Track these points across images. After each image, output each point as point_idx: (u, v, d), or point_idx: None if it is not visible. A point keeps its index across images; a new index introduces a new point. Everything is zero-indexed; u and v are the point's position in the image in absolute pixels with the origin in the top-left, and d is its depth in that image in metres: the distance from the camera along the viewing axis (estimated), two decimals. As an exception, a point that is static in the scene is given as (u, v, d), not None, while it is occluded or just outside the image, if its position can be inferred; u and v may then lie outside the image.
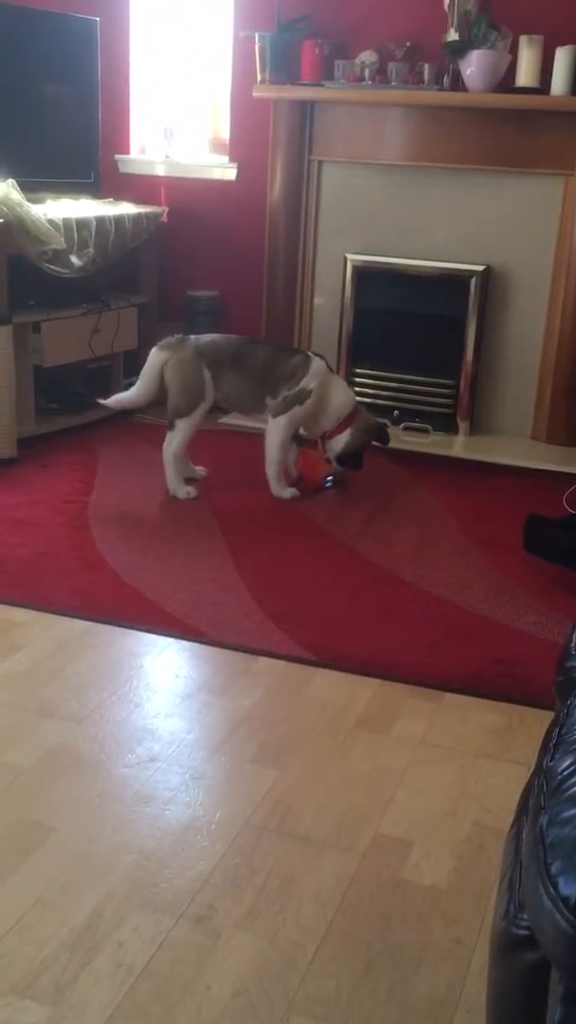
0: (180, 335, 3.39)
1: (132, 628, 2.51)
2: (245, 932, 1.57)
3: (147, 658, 2.39)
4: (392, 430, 4.01)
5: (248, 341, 3.47)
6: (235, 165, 4.39)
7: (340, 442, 3.46)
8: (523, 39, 3.73)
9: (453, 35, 3.77)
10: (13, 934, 1.54)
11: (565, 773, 1.11)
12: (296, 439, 3.52)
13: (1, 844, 1.73)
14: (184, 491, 3.38)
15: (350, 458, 3.49)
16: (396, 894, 1.67)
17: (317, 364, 3.38)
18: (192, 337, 3.39)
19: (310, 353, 3.45)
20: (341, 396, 3.44)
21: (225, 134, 4.46)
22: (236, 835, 1.79)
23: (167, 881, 1.67)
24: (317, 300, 4.34)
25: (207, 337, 3.42)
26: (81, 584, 2.70)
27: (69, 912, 1.59)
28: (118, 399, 3.47)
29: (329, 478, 3.57)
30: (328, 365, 3.45)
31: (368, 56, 3.98)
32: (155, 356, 3.35)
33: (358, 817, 1.86)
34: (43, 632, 2.47)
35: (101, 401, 3.52)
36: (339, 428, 3.44)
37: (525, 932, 1.06)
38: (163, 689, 2.26)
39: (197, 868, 1.70)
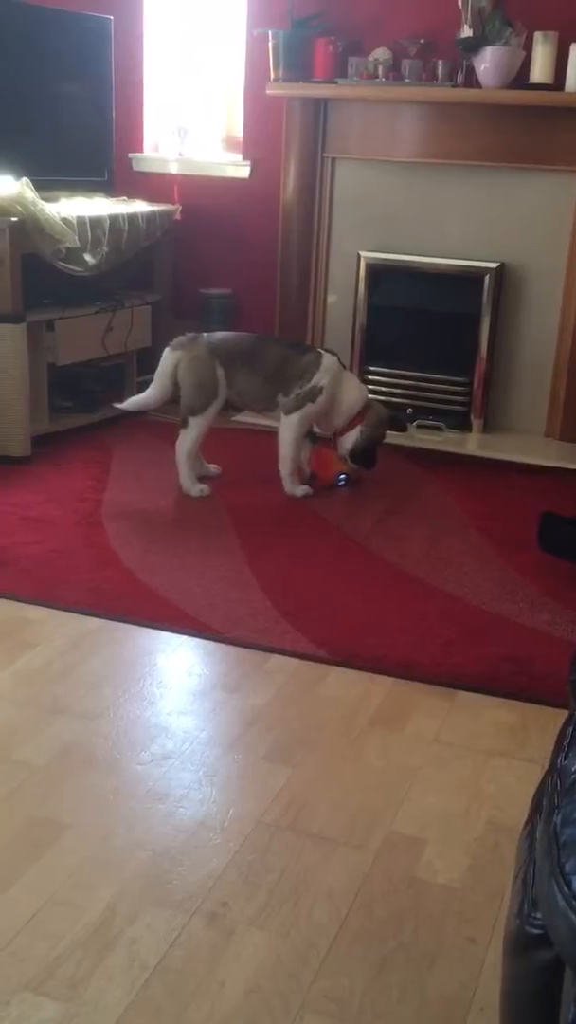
0: (192, 334, 3.39)
1: (145, 626, 2.51)
2: (258, 929, 1.57)
3: (160, 656, 2.39)
4: (403, 433, 4.00)
5: (260, 339, 3.47)
6: (248, 163, 4.40)
7: (350, 439, 3.45)
8: (537, 35, 3.71)
9: (467, 32, 3.77)
10: (27, 931, 1.55)
11: (579, 772, 1.10)
12: (310, 437, 3.52)
13: (15, 841, 1.74)
14: (197, 489, 3.38)
15: (362, 455, 3.48)
16: (409, 892, 1.67)
17: (329, 361, 3.38)
18: (204, 335, 3.39)
19: (322, 350, 3.44)
20: (353, 393, 3.44)
21: (238, 132, 4.46)
22: (249, 833, 1.79)
23: (180, 878, 1.67)
24: (330, 298, 4.34)
25: (219, 335, 3.42)
26: (95, 582, 2.71)
27: (83, 909, 1.60)
28: (133, 401, 3.46)
29: (342, 476, 3.56)
30: (340, 361, 3.45)
31: (382, 53, 3.98)
32: (168, 356, 3.35)
33: (371, 815, 1.85)
34: (57, 629, 2.47)
35: (117, 405, 3.52)
36: (350, 425, 3.44)
37: (539, 931, 1.06)
38: (176, 687, 2.26)
39: (210, 865, 1.70)
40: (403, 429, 3.59)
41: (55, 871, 1.67)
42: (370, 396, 3.54)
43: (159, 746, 2.03)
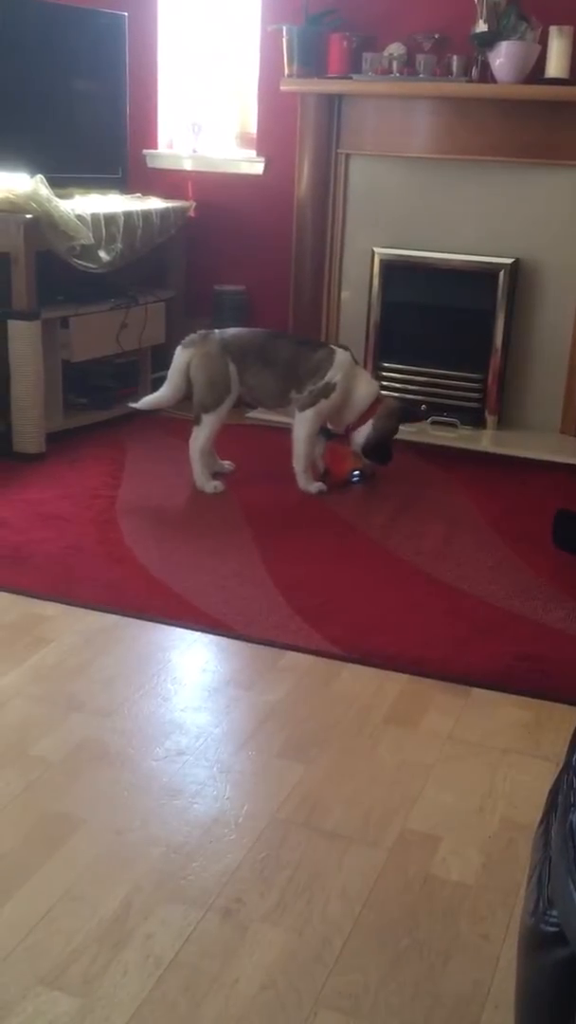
0: (204, 331, 3.40)
1: (159, 622, 2.52)
2: (272, 926, 1.58)
3: (175, 652, 2.40)
4: (420, 425, 4.00)
5: (273, 335, 3.47)
6: (262, 159, 4.39)
7: (362, 434, 3.45)
8: (553, 30, 3.69)
9: (482, 26, 3.75)
10: (42, 926, 1.55)
11: (595, 770, 1.10)
12: (325, 433, 3.52)
13: (30, 836, 1.74)
14: (211, 486, 3.38)
15: (375, 450, 3.47)
16: (423, 890, 1.67)
17: (341, 357, 3.37)
18: (216, 332, 3.39)
19: (334, 346, 3.44)
20: (364, 389, 3.43)
21: (252, 128, 4.46)
22: (263, 829, 1.79)
23: (195, 874, 1.68)
24: (344, 294, 4.33)
25: (231, 331, 3.42)
26: (109, 578, 2.72)
27: (98, 904, 1.60)
28: (147, 401, 3.46)
29: (356, 473, 3.56)
30: (353, 357, 3.44)
31: (396, 48, 3.97)
32: (180, 354, 3.35)
33: (385, 812, 1.85)
34: (72, 626, 2.48)
35: (132, 405, 3.53)
36: (362, 420, 3.44)
37: (554, 929, 1.05)
38: (191, 683, 2.27)
39: (225, 861, 1.71)
40: (418, 419, 3.57)
41: (70, 866, 1.68)
42: (383, 392, 3.54)
43: (173, 742, 2.03)
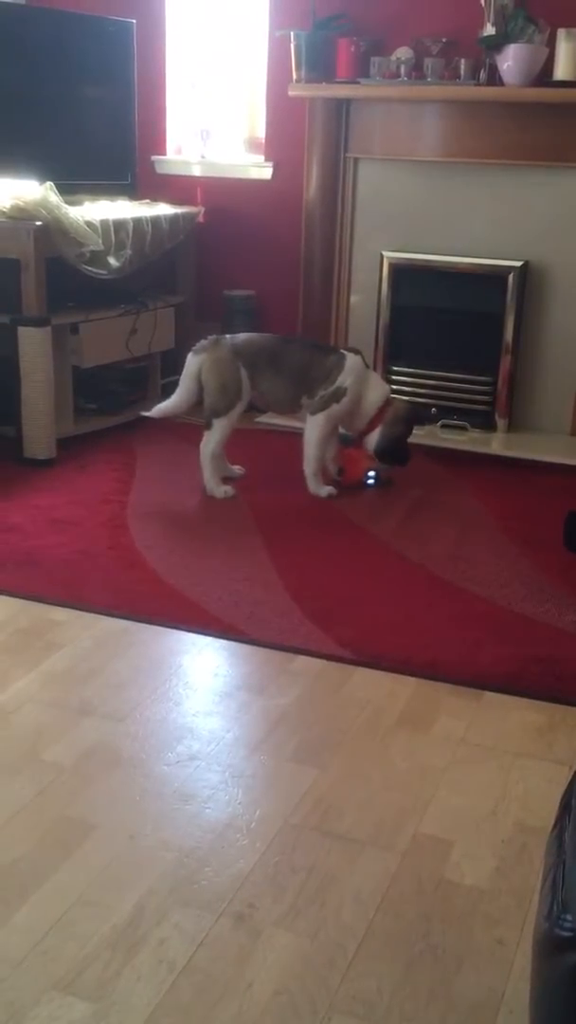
0: (215, 336, 3.40)
1: (171, 627, 2.52)
2: (286, 931, 1.57)
3: (186, 657, 2.40)
4: (430, 428, 4.00)
5: (284, 340, 3.47)
6: (271, 164, 4.40)
7: (374, 438, 3.45)
8: (561, 32, 3.69)
9: (490, 29, 3.75)
10: (56, 931, 1.55)
11: (609, 773, 1.09)
12: (341, 438, 3.53)
13: (43, 841, 1.75)
14: (222, 490, 3.39)
15: (390, 453, 3.47)
16: (437, 894, 1.66)
17: (352, 361, 3.38)
18: (228, 337, 3.40)
19: (344, 351, 3.44)
20: (375, 392, 3.44)
21: (261, 133, 4.46)
22: (276, 834, 1.79)
23: (208, 879, 1.67)
24: (354, 298, 4.34)
25: (243, 336, 3.42)
26: (120, 583, 2.72)
27: (111, 909, 1.60)
28: (160, 408, 3.46)
29: (371, 475, 3.55)
30: (364, 361, 3.45)
31: (404, 52, 3.97)
32: (191, 361, 3.35)
33: (398, 816, 1.85)
34: (83, 631, 2.48)
35: (144, 413, 3.53)
36: (372, 425, 3.44)
37: (569, 933, 1.05)
38: (202, 688, 2.27)
39: (237, 866, 1.70)
40: (426, 422, 3.59)
41: (83, 871, 1.68)
42: (392, 395, 3.54)
43: (185, 747, 2.03)
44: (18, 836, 1.75)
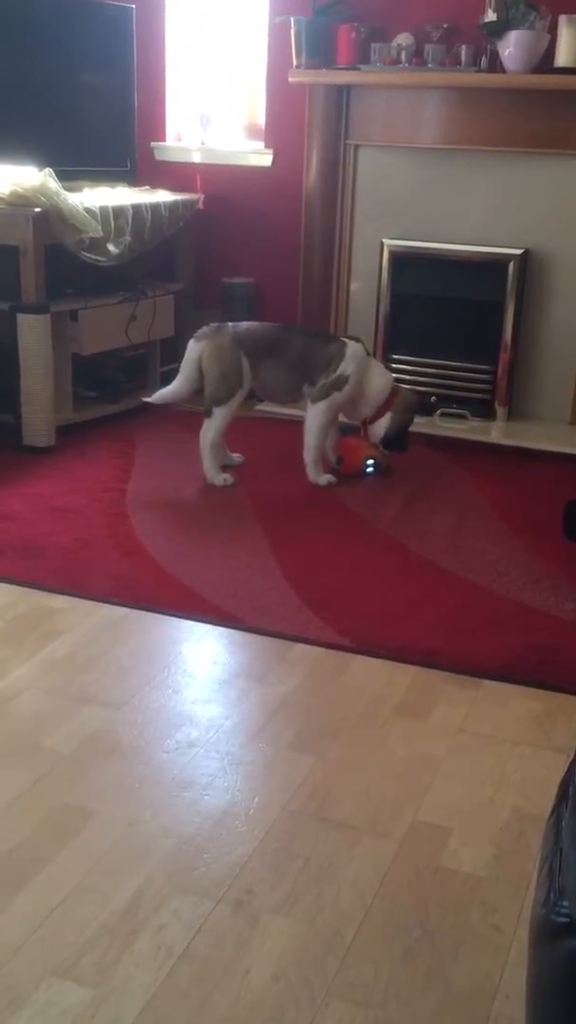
0: (216, 324, 3.40)
1: (170, 615, 2.52)
2: (284, 917, 1.58)
3: (185, 644, 2.40)
4: (430, 416, 4.00)
5: (285, 329, 3.47)
6: (271, 151, 4.38)
7: (381, 426, 3.45)
8: (562, 19, 3.67)
9: (491, 15, 3.73)
10: (54, 917, 1.56)
11: (606, 761, 1.10)
12: (342, 427, 3.53)
13: (42, 828, 1.75)
14: (221, 478, 3.39)
15: (395, 441, 3.48)
16: (434, 881, 1.67)
17: (353, 349, 3.37)
18: (229, 325, 3.39)
19: (346, 339, 3.44)
20: (379, 380, 3.44)
21: (261, 120, 4.45)
22: (274, 820, 1.79)
23: (206, 865, 1.68)
24: (353, 286, 4.33)
25: (244, 325, 3.42)
26: (120, 571, 2.72)
27: (110, 895, 1.61)
28: (161, 394, 3.46)
29: (370, 463, 3.55)
30: (366, 349, 3.44)
31: (404, 39, 3.95)
32: (192, 347, 3.35)
33: (396, 803, 1.86)
34: (83, 619, 2.49)
35: (146, 399, 3.53)
36: (379, 412, 3.44)
37: (565, 920, 1.05)
38: (201, 675, 2.27)
39: (236, 853, 1.71)
40: (428, 412, 3.61)
41: (82, 858, 1.69)
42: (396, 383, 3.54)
43: (184, 734, 2.04)
44: (17, 823, 1.76)
